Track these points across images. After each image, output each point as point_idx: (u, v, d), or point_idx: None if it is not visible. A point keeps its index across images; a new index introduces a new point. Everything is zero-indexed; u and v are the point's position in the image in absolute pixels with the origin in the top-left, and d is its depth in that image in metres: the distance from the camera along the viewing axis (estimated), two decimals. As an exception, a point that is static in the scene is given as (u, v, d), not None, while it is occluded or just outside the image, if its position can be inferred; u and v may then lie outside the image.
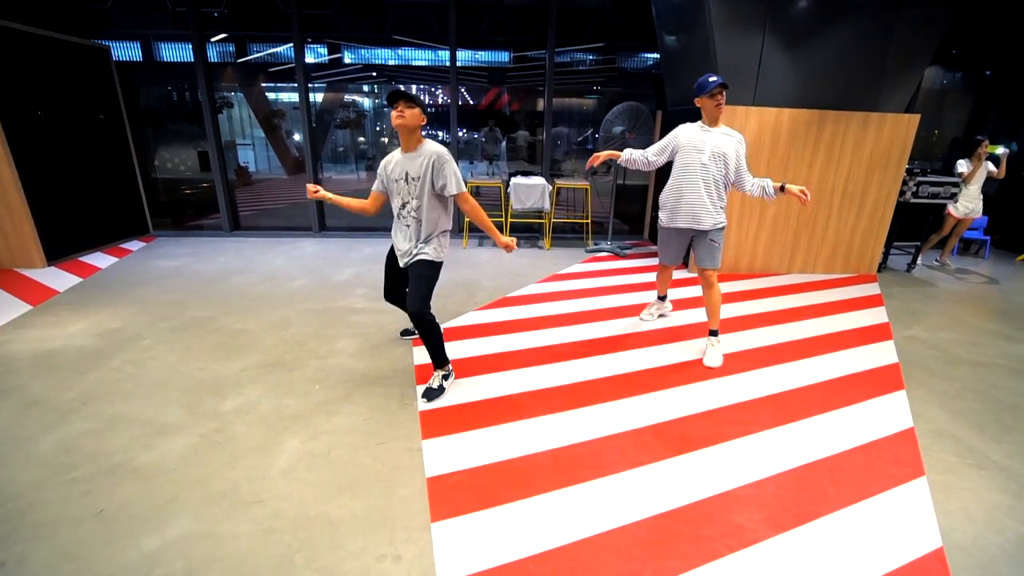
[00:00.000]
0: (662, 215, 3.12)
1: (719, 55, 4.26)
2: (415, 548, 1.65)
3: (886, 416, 2.50)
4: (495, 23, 6.40)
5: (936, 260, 5.44)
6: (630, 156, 3.07)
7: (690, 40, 4.66)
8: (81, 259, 4.79)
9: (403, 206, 2.57)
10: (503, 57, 6.71)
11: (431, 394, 2.56)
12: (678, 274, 4.81)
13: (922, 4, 4.20)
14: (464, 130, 6.81)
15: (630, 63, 6.71)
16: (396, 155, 2.57)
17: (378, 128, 7.54)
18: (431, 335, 2.54)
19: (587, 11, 6.32)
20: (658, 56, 5.97)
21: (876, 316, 3.87)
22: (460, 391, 2.63)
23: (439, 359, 2.63)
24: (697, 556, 1.65)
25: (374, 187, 2.70)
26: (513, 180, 5.55)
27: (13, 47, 4.20)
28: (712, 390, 2.71)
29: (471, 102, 7.12)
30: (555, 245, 5.96)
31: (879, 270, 5.08)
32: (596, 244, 5.83)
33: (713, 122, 2.91)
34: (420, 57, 6.64)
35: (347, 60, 6.58)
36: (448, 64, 5.84)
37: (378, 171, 2.66)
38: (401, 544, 1.66)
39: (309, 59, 6.04)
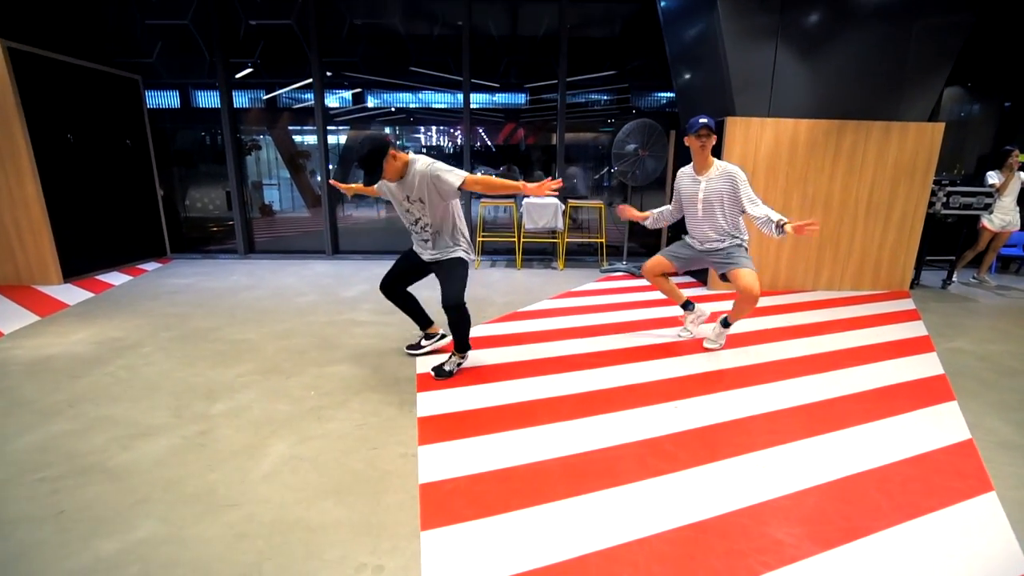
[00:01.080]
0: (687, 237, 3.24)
1: (731, 68, 4.22)
2: (400, 558, 1.45)
3: (937, 427, 2.22)
4: (510, 62, 6.49)
5: (973, 277, 5.12)
6: (657, 217, 3.25)
7: (702, 55, 4.65)
8: (97, 277, 4.83)
9: (415, 223, 2.62)
10: (519, 99, 6.80)
11: (441, 373, 2.63)
12: (697, 290, 4.61)
13: (939, 13, 4.13)
14: (480, 172, 6.82)
15: (644, 102, 6.68)
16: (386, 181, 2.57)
17: None
18: (464, 323, 2.60)
19: (599, 41, 6.40)
20: (671, 95, 5.98)
21: (913, 329, 3.59)
22: (463, 398, 2.45)
23: (463, 345, 2.69)
24: (729, 574, 1.40)
25: (376, 186, 2.72)
26: (525, 200, 5.50)
27: (47, 74, 4.40)
28: (739, 399, 2.47)
29: (488, 143, 7.21)
30: (569, 266, 5.82)
31: (911, 287, 4.79)
32: (611, 264, 5.68)
33: (700, 167, 2.95)
34: (439, 100, 6.84)
35: (370, 103, 6.81)
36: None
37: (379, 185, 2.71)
38: (385, 554, 1.47)
39: (333, 103, 6.26)
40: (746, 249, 2.98)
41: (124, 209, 5.31)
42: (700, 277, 4.91)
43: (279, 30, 5.87)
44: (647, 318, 3.78)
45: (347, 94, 6.57)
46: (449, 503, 1.69)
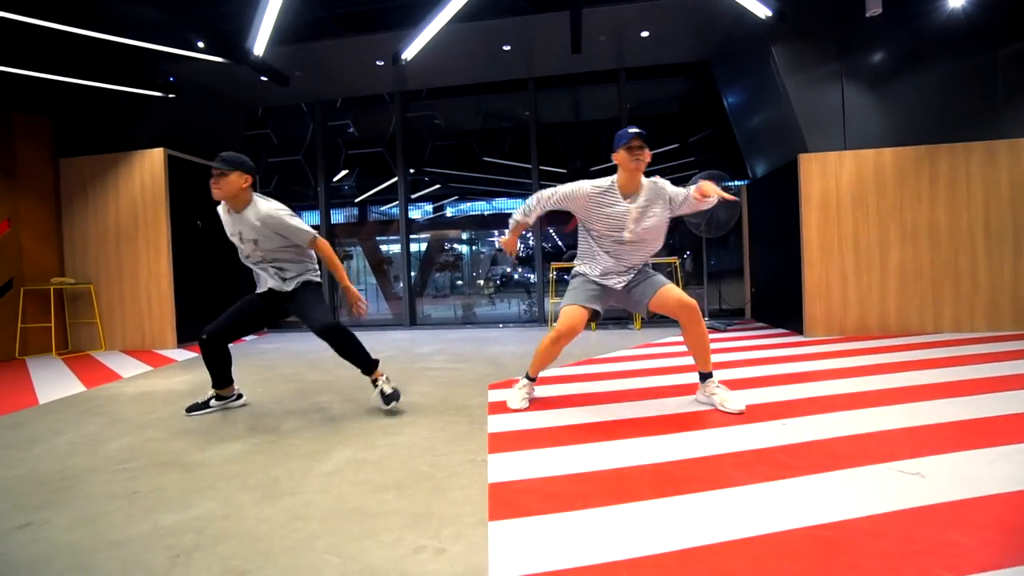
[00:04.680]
0: (582, 268, 2.45)
1: (798, 110, 4.19)
2: (464, 544, 1.25)
3: None
4: (575, 152, 6.95)
5: None
6: (525, 214, 2.44)
7: (764, 106, 4.69)
8: (202, 345, 5.32)
9: (247, 258, 2.51)
10: None
11: (386, 398, 2.40)
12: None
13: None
14: (555, 273, 7.00)
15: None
16: (223, 209, 2.48)
17: (474, 274, 8.21)
18: (349, 341, 2.41)
19: (662, 117, 6.70)
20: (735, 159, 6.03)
21: (1091, 360, 2.90)
22: (538, 419, 2.26)
23: (367, 363, 2.46)
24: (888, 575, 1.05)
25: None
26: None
27: (188, 172, 5.33)
28: (861, 418, 2.06)
29: (559, 242, 7.53)
30: (646, 327, 5.55)
31: (1074, 326, 3.97)
32: (690, 322, 5.34)
33: (631, 186, 2.27)
34: (511, 206, 7.42)
35: (448, 212, 7.55)
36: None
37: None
38: (447, 539, 1.28)
39: (416, 215, 7.00)
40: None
41: (232, 287, 5.97)
42: (796, 326, 4.44)
43: (371, 156, 6.86)
44: (743, 359, 3.42)
45: (428, 206, 7.35)
46: (520, 499, 1.48)
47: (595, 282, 2.39)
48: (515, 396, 2.47)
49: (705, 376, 2.32)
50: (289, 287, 2.48)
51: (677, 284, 5.61)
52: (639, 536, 1.24)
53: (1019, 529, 1.20)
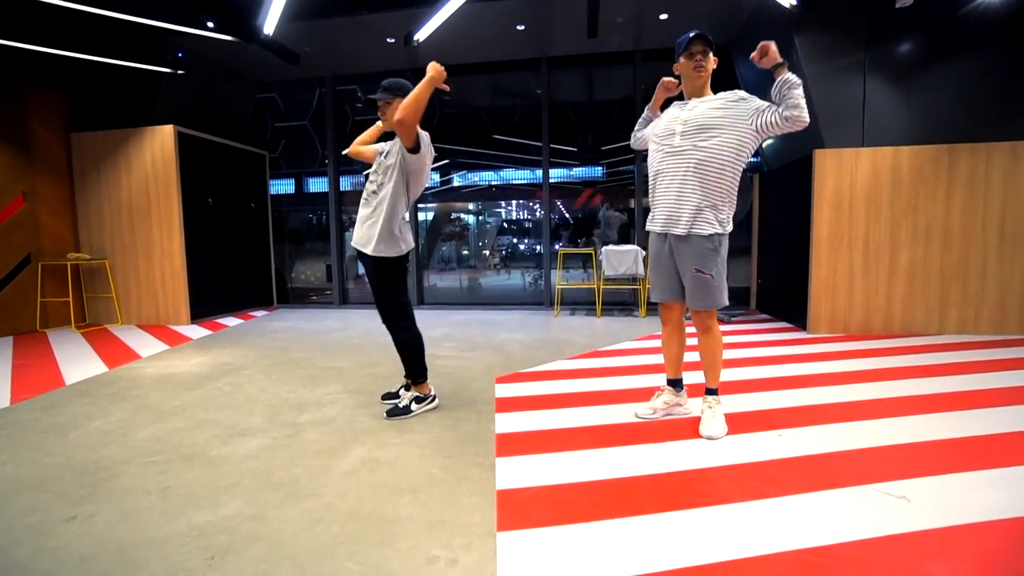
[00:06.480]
0: (648, 226, 2.26)
1: (817, 104, 4.09)
2: (475, 555, 1.35)
3: None
4: (586, 131, 6.87)
5: None
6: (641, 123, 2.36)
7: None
8: (216, 320, 5.45)
9: (371, 194, 2.40)
10: (596, 171, 7.11)
11: (395, 412, 2.39)
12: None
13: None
14: (560, 244, 7.03)
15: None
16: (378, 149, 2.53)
17: (480, 244, 8.22)
18: (405, 344, 2.42)
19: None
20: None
21: (1090, 372, 2.94)
22: (543, 419, 2.36)
23: (415, 371, 2.46)
24: (868, 605, 1.14)
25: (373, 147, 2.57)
26: (605, 248, 5.50)
27: (198, 149, 5.33)
28: (858, 431, 2.13)
29: (567, 215, 7.51)
30: (651, 314, 5.61)
31: (1079, 331, 3.99)
32: (695, 312, 5.38)
33: (695, 92, 2.11)
34: (519, 176, 7.38)
35: (456, 183, 7.50)
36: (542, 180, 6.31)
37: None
38: (459, 549, 1.38)
39: None
40: (723, 261, 2.07)
41: (242, 263, 6.06)
42: (799, 322, 4.48)
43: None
44: (746, 356, 3.48)
45: (436, 176, 7.30)
46: (527, 508, 1.58)
47: (654, 245, 2.19)
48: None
49: (707, 390, 2.20)
50: (364, 243, 2.32)
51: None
52: (639, 553, 1.34)
53: (997, 561, 1.28)
